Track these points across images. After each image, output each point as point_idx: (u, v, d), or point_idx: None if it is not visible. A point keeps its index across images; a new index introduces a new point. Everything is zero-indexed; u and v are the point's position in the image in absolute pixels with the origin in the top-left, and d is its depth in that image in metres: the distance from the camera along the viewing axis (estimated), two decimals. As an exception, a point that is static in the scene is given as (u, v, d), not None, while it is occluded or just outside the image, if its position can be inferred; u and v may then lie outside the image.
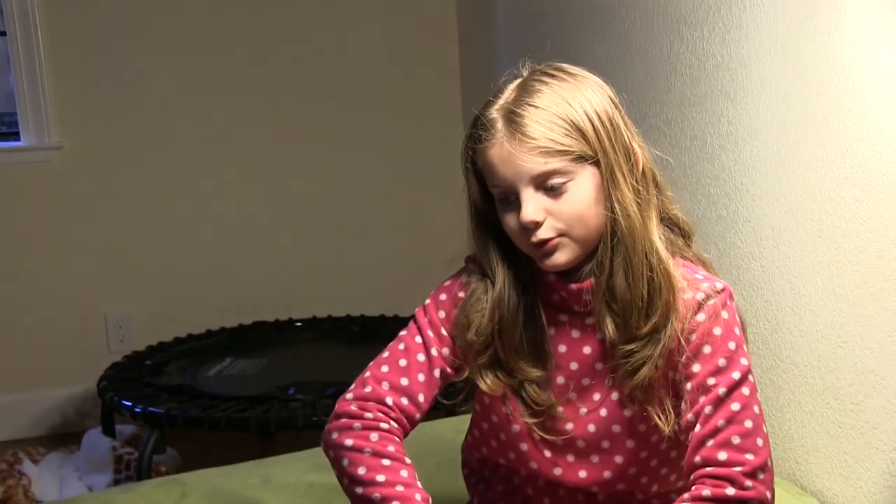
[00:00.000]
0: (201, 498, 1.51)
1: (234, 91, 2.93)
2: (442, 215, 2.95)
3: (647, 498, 1.15)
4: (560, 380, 1.10)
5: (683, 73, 1.77)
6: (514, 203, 1.04)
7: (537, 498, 1.17)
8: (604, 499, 1.15)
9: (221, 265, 2.97)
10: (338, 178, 3.05)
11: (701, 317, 1.04)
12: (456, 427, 1.61)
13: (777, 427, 1.58)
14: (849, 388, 1.43)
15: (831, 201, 1.43)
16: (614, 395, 1.09)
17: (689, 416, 1.03)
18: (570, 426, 1.10)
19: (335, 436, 1.09)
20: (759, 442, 1.01)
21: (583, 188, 1.02)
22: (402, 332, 1.14)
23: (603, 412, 1.09)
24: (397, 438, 1.08)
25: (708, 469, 1.00)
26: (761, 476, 1.00)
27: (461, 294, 1.13)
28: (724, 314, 1.04)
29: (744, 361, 1.03)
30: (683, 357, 1.03)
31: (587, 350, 1.09)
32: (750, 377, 1.03)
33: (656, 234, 1.05)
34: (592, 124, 1.02)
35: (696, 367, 1.03)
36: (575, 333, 1.10)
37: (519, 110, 1.02)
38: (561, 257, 1.04)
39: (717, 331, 1.03)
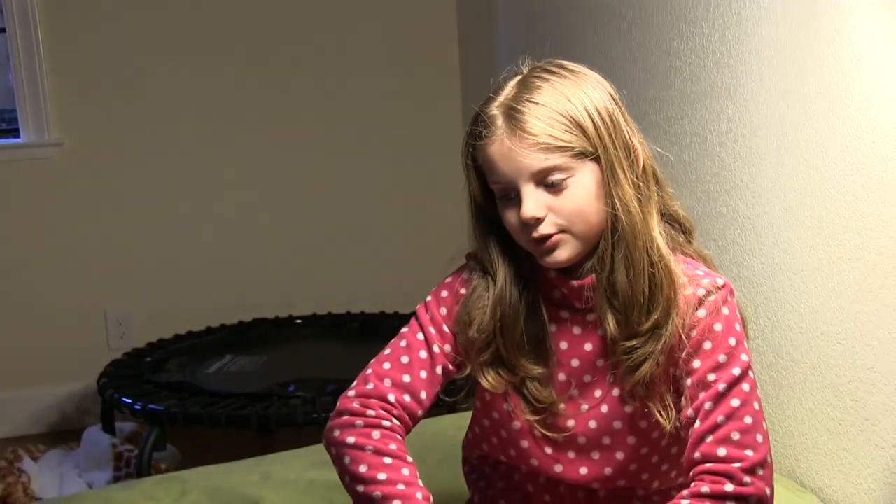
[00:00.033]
0: (201, 495, 1.51)
1: (235, 87, 2.93)
2: (442, 213, 2.95)
3: (647, 495, 1.15)
4: (561, 377, 1.10)
5: (683, 70, 1.77)
6: (515, 200, 1.04)
7: (538, 495, 1.17)
8: (604, 496, 1.15)
9: (222, 262, 2.97)
10: (338, 175, 3.05)
11: (702, 313, 1.04)
12: (457, 424, 1.61)
13: (777, 424, 1.58)
14: (848, 385, 1.44)
15: (831, 198, 1.43)
16: (615, 392, 1.09)
17: (689, 412, 1.03)
18: (571, 423, 1.10)
19: (337, 433, 1.09)
20: (759, 438, 1.01)
21: (583, 184, 1.02)
22: (404, 329, 1.14)
23: (604, 408, 1.09)
24: (399, 436, 1.08)
25: (707, 465, 1.00)
26: (760, 472, 1.00)
27: (462, 291, 1.13)
28: (725, 310, 1.04)
29: (744, 358, 1.03)
30: (684, 353, 1.03)
31: (588, 347, 1.09)
32: (750, 373, 1.03)
33: (657, 231, 1.05)
34: (592, 120, 1.02)
35: (696, 363, 1.03)
36: (576, 330, 1.10)
37: (519, 107, 1.02)
38: (562, 254, 1.04)
39: (718, 327, 1.03)
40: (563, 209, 1.02)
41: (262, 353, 2.57)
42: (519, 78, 1.06)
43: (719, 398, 1.01)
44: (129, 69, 2.84)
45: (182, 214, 2.93)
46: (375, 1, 3.01)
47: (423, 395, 1.10)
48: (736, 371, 1.02)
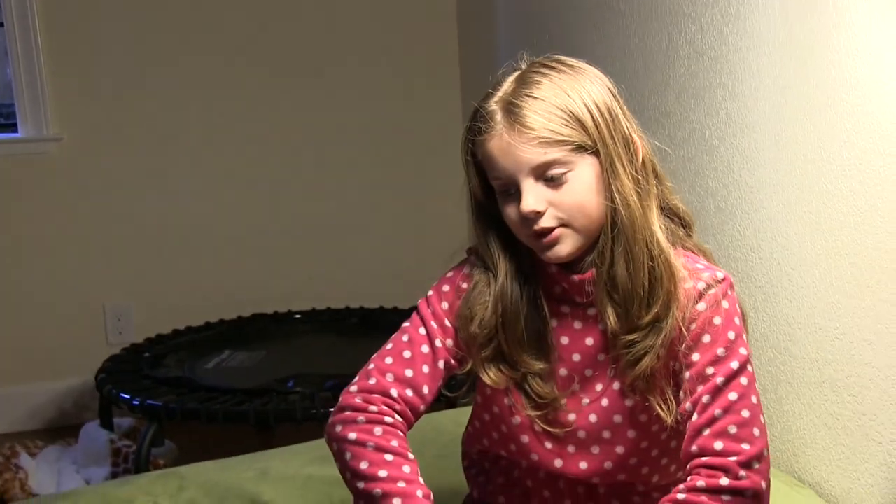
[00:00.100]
0: (199, 491, 1.51)
1: (234, 82, 2.92)
2: (441, 208, 2.94)
3: (647, 490, 1.15)
4: (563, 372, 1.10)
5: (682, 65, 1.77)
6: (515, 195, 1.04)
7: (537, 490, 1.17)
8: (604, 491, 1.15)
9: (220, 257, 2.97)
10: (337, 171, 3.05)
11: (701, 306, 1.04)
12: (456, 419, 1.61)
13: (775, 419, 1.58)
14: (846, 380, 1.44)
15: (829, 193, 1.44)
16: (616, 386, 1.09)
17: (687, 405, 1.03)
18: (572, 417, 1.10)
19: (339, 429, 1.09)
20: (756, 432, 1.01)
21: (583, 178, 1.02)
22: (406, 324, 1.15)
23: (604, 402, 1.10)
24: (401, 433, 1.08)
25: (704, 459, 1.01)
26: (757, 466, 1.00)
27: (464, 285, 1.13)
28: (725, 304, 1.05)
29: (743, 351, 1.04)
30: (683, 346, 1.03)
31: (589, 341, 1.10)
32: (748, 367, 1.04)
33: (657, 224, 1.05)
34: (591, 114, 1.02)
35: (695, 357, 1.03)
36: (577, 325, 1.10)
37: (518, 101, 1.02)
38: (563, 249, 1.05)
39: (717, 320, 1.04)
40: (563, 203, 1.02)
41: (261, 349, 2.57)
42: (517, 73, 1.06)
43: (717, 391, 1.02)
44: (128, 64, 2.83)
45: (181, 210, 2.93)
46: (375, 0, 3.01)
47: (425, 389, 1.11)
48: (734, 365, 1.02)
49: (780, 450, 1.57)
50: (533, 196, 1.02)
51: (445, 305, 1.13)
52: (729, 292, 1.06)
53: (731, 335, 1.03)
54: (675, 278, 1.04)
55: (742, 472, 0.99)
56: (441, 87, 3.06)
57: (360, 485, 1.05)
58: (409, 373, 1.10)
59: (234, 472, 1.58)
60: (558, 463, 1.13)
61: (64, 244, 2.84)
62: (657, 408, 1.06)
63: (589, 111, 1.02)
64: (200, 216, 2.95)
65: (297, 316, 2.80)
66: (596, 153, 1.03)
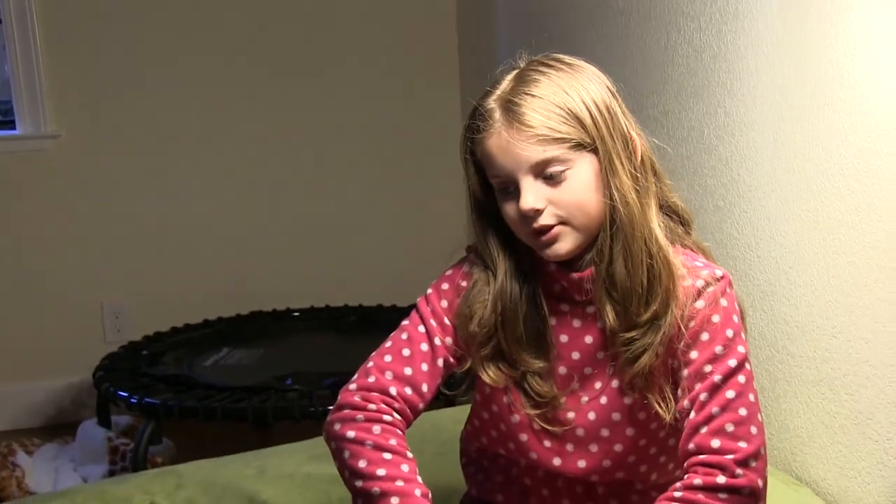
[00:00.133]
0: (196, 489, 1.51)
1: (233, 80, 2.92)
2: (440, 206, 2.96)
3: (645, 488, 1.15)
4: (562, 370, 1.10)
5: (681, 63, 1.77)
6: (514, 193, 1.04)
7: (535, 489, 1.18)
8: (603, 490, 1.15)
9: (219, 255, 2.97)
10: (336, 168, 3.05)
11: (700, 304, 1.04)
12: (454, 417, 1.61)
13: (772, 417, 1.58)
14: (843, 379, 1.44)
15: (827, 192, 1.44)
16: (615, 383, 1.09)
17: (685, 402, 1.03)
18: (571, 415, 1.11)
19: (337, 427, 1.09)
20: (753, 430, 1.01)
21: (581, 176, 1.03)
22: (405, 322, 1.14)
23: (603, 400, 1.10)
24: (400, 431, 1.08)
25: (701, 457, 1.01)
26: (753, 464, 1.00)
27: (463, 283, 1.13)
28: (724, 302, 1.05)
29: (741, 349, 1.04)
30: (682, 344, 1.04)
31: (588, 339, 1.10)
32: (746, 365, 1.04)
33: (655, 222, 1.05)
34: (590, 112, 1.02)
35: (693, 354, 1.03)
36: (576, 323, 1.10)
37: (516, 99, 1.02)
38: (562, 246, 1.05)
39: (716, 318, 1.04)
40: (562, 201, 1.02)
41: (260, 346, 2.56)
42: (516, 72, 1.06)
43: (715, 389, 1.02)
44: (127, 61, 2.83)
45: (179, 207, 2.93)
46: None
47: (424, 387, 1.10)
48: (732, 363, 1.02)
49: (778, 448, 1.58)
50: (532, 194, 1.02)
51: (445, 303, 1.13)
52: (728, 290, 1.06)
53: (730, 333, 1.04)
54: (673, 276, 1.04)
55: (739, 471, 0.99)
56: (440, 86, 3.06)
57: (359, 483, 1.05)
58: (408, 371, 1.10)
59: (231, 470, 1.58)
60: (557, 461, 1.13)
61: (62, 241, 2.84)
62: (656, 405, 1.06)
63: (587, 109, 1.02)
64: (199, 214, 2.95)
65: (296, 314, 2.80)
66: (595, 151, 1.03)
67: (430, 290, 1.15)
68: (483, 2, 2.85)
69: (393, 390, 1.09)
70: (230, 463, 1.63)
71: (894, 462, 1.37)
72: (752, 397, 1.03)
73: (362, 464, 1.05)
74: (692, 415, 1.02)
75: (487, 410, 1.17)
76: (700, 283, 1.05)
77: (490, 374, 1.10)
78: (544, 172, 1.02)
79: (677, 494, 1.00)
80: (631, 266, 1.03)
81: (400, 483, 1.04)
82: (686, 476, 1.01)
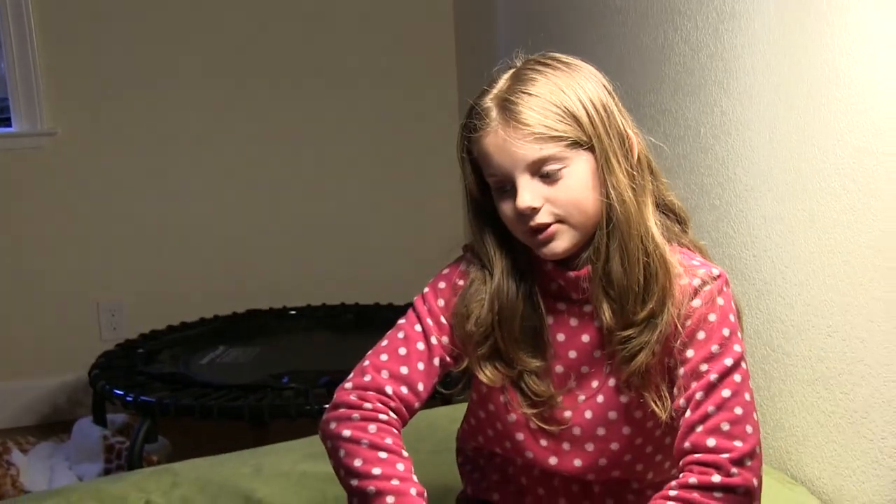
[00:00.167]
0: (192, 487, 1.51)
1: (229, 78, 2.92)
2: (437, 205, 2.95)
3: (641, 487, 1.16)
4: (559, 369, 1.11)
5: (678, 62, 1.77)
6: (511, 191, 1.04)
7: (531, 488, 1.18)
8: (599, 489, 1.15)
9: (215, 253, 2.96)
10: (333, 167, 3.04)
11: (697, 302, 1.04)
12: (451, 415, 1.61)
13: (768, 416, 1.59)
14: (838, 378, 1.44)
15: (822, 192, 1.44)
16: (611, 382, 1.09)
17: (681, 401, 1.03)
18: (567, 414, 1.11)
19: (333, 426, 1.08)
20: (749, 429, 1.01)
21: (578, 174, 1.03)
22: (401, 321, 1.14)
23: (600, 399, 1.10)
24: (395, 430, 1.08)
25: (696, 456, 1.01)
26: (748, 463, 1.00)
27: (460, 282, 1.13)
28: (720, 300, 1.05)
29: (737, 348, 1.04)
30: (678, 342, 1.04)
31: (585, 338, 1.10)
32: (742, 364, 1.04)
33: (652, 220, 1.05)
34: (586, 110, 1.02)
35: (689, 353, 1.04)
36: (573, 322, 1.10)
37: (513, 98, 1.02)
38: (559, 245, 1.05)
39: (712, 317, 1.04)
40: (558, 199, 1.03)
41: (256, 345, 2.56)
42: (513, 71, 1.06)
43: (711, 388, 1.02)
44: (124, 59, 2.82)
45: (176, 205, 2.92)
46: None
47: (420, 386, 1.10)
48: (728, 362, 1.03)
49: (773, 447, 1.58)
50: (529, 192, 1.02)
51: (441, 302, 1.13)
52: (724, 289, 1.06)
53: (726, 332, 1.04)
54: (670, 274, 1.04)
55: (734, 470, 0.99)
56: (437, 85, 3.06)
57: (354, 482, 1.05)
58: (404, 370, 1.10)
59: (227, 469, 1.58)
60: (553, 461, 1.13)
61: (58, 239, 2.83)
62: (652, 404, 1.06)
63: (584, 107, 1.02)
64: (195, 212, 2.95)
65: (292, 312, 2.80)
66: (591, 149, 1.03)
67: (426, 289, 1.15)
68: (481, 1, 2.86)
69: (389, 389, 1.09)
70: (226, 461, 1.63)
71: (889, 461, 1.37)
72: (747, 396, 1.03)
73: (358, 462, 1.05)
74: (688, 413, 1.02)
75: (484, 409, 1.17)
76: (697, 282, 1.05)
77: (487, 374, 1.10)
78: (541, 171, 1.02)
79: (672, 493, 1.00)
80: (627, 264, 1.03)
81: (395, 482, 1.04)
82: (681, 475, 1.01)
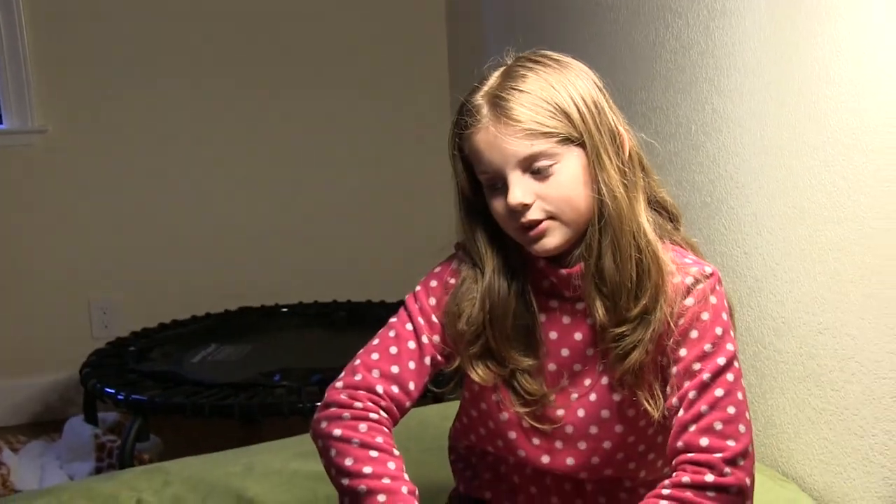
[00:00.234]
0: (184, 486, 1.51)
1: (220, 75, 2.91)
2: (429, 202, 2.95)
3: (634, 486, 1.16)
4: (551, 367, 1.10)
5: (669, 60, 1.77)
6: (502, 188, 1.04)
7: (524, 486, 1.18)
8: (591, 487, 1.15)
9: (207, 251, 2.96)
10: (324, 163, 3.04)
11: (689, 301, 1.04)
12: (442, 414, 1.61)
13: (759, 413, 1.59)
14: (829, 375, 1.45)
15: (812, 189, 1.44)
16: (604, 380, 1.09)
17: (674, 400, 1.03)
18: (560, 412, 1.10)
19: (324, 425, 1.08)
20: (742, 428, 1.02)
21: (569, 171, 1.03)
22: (393, 319, 1.14)
23: (592, 397, 1.10)
24: (386, 429, 1.08)
25: (689, 455, 1.01)
26: (741, 462, 1.01)
27: (452, 281, 1.12)
28: (713, 299, 1.05)
29: (730, 347, 1.04)
30: (671, 341, 1.04)
31: (578, 336, 1.10)
32: (735, 363, 1.04)
33: (644, 217, 1.05)
34: (577, 107, 1.02)
35: (682, 352, 1.04)
36: (566, 320, 1.10)
37: (504, 94, 1.02)
38: (551, 241, 1.05)
39: (705, 316, 1.04)
40: (550, 196, 1.03)
41: (248, 342, 2.56)
42: (503, 68, 1.07)
43: (704, 387, 1.02)
44: (114, 56, 2.81)
45: (167, 202, 2.91)
46: (367, -5, 3.00)
47: (411, 385, 1.10)
48: (721, 361, 1.03)
49: (765, 444, 1.58)
50: (520, 189, 1.02)
51: (433, 301, 1.13)
52: (717, 287, 1.06)
53: (719, 331, 1.04)
54: (662, 271, 1.04)
55: (727, 469, 1.00)
56: (429, 83, 3.05)
57: (345, 481, 1.05)
58: (395, 369, 1.10)
59: (219, 467, 1.57)
60: (545, 459, 1.13)
61: (49, 236, 2.82)
62: (645, 402, 1.06)
63: (575, 104, 1.02)
64: (187, 209, 2.94)
65: (284, 309, 2.79)
66: (582, 145, 1.03)
67: (418, 288, 1.15)
68: (472, 0, 2.85)
69: (379, 388, 1.09)
70: (217, 460, 1.63)
71: (879, 457, 1.38)
72: (740, 395, 1.03)
73: (349, 462, 1.05)
74: (681, 412, 1.02)
75: (476, 408, 1.17)
76: (689, 280, 1.05)
77: (478, 373, 1.10)
78: (532, 167, 1.02)
79: (665, 492, 1.00)
80: (620, 260, 1.03)
81: (387, 480, 1.03)
82: (674, 474, 1.01)
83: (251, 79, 2.93)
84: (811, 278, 1.47)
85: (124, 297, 2.90)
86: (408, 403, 1.11)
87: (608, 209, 1.03)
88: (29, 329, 2.82)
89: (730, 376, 1.03)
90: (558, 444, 1.12)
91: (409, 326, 1.12)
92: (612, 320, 1.05)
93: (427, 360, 1.11)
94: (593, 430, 1.10)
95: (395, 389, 1.09)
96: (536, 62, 1.05)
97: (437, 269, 1.16)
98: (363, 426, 1.07)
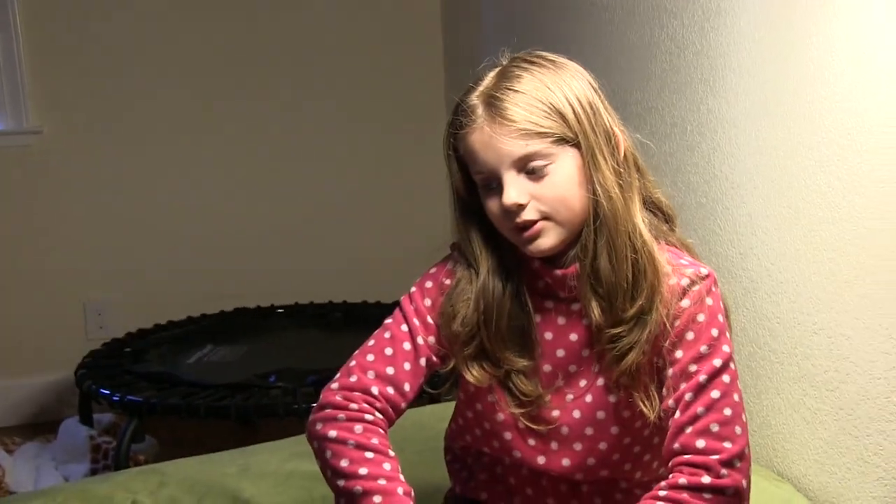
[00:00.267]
0: (179, 487, 1.50)
1: (216, 75, 2.90)
2: (425, 203, 2.94)
3: (630, 487, 1.16)
4: (547, 368, 1.10)
5: (664, 60, 1.77)
6: (497, 189, 1.04)
7: (520, 487, 1.17)
8: (587, 488, 1.15)
9: (203, 251, 2.95)
10: (320, 164, 3.04)
11: (685, 303, 1.04)
12: (438, 414, 1.61)
13: (754, 414, 1.59)
14: (824, 375, 1.45)
15: (807, 189, 1.45)
16: (600, 382, 1.09)
17: (670, 402, 1.04)
18: (556, 413, 1.10)
19: (319, 426, 1.08)
20: (738, 430, 1.02)
21: (564, 171, 1.03)
22: (388, 321, 1.14)
23: (588, 398, 1.10)
24: (381, 430, 1.08)
25: (685, 457, 1.01)
26: (738, 464, 1.01)
27: (447, 281, 1.12)
28: (709, 300, 1.05)
29: (725, 349, 1.04)
30: (667, 342, 1.04)
31: (573, 337, 1.10)
32: (731, 365, 1.04)
33: (639, 217, 1.05)
34: (572, 107, 1.02)
35: (678, 353, 1.04)
36: (561, 320, 1.10)
37: (499, 95, 1.02)
38: (546, 242, 1.05)
39: (701, 317, 1.04)
40: (544, 196, 1.03)
41: (244, 343, 2.55)
42: (499, 68, 1.07)
43: (700, 389, 1.02)
44: (109, 57, 2.80)
45: (163, 203, 2.91)
46: (362, -6, 3.00)
47: (406, 387, 1.10)
48: (717, 362, 1.03)
49: (760, 444, 1.59)
50: (515, 189, 1.02)
51: (428, 302, 1.13)
52: (713, 289, 1.06)
53: (715, 332, 1.04)
54: (658, 272, 1.04)
55: (724, 471, 1.00)
56: (425, 84, 3.05)
57: (341, 483, 1.05)
58: (390, 370, 1.10)
59: (214, 468, 1.57)
60: (541, 460, 1.13)
61: (44, 237, 2.82)
62: (641, 404, 1.06)
63: (570, 104, 1.02)
64: (183, 210, 2.93)
65: (280, 311, 2.79)
66: (577, 146, 1.03)
67: (413, 289, 1.15)
68: (468, 0, 2.85)
69: (375, 390, 1.09)
70: (213, 461, 1.62)
71: (874, 458, 1.38)
72: (736, 397, 1.03)
73: (344, 463, 1.05)
74: (677, 414, 1.02)
75: (471, 409, 1.16)
76: (685, 282, 1.05)
77: (474, 374, 1.10)
78: (527, 167, 1.02)
79: (662, 493, 1.00)
80: (615, 261, 1.03)
81: (382, 481, 1.03)
82: (671, 475, 1.02)
83: (245, 79, 2.93)
84: (806, 279, 1.47)
85: (120, 298, 2.89)
86: (403, 405, 1.11)
87: (603, 210, 1.03)
88: (24, 330, 2.81)
89: (726, 378, 1.03)
90: (554, 445, 1.12)
91: (404, 328, 1.12)
92: (607, 321, 1.05)
93: (422, 362, 1.11)
94: (589, 431, 1.10)
95: (390, 391, 1.09)
96: (532, 63, 1.05)
97: (433, 270, 1.16)
98: (358, 427, 1.06)
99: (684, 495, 0.99)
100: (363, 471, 1.04)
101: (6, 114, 2.74)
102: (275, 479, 1.53)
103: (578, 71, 1.07)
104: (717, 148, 1.65)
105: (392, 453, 1.07)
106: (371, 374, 1.09)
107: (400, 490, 1.04)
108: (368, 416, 1.07)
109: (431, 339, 1.12)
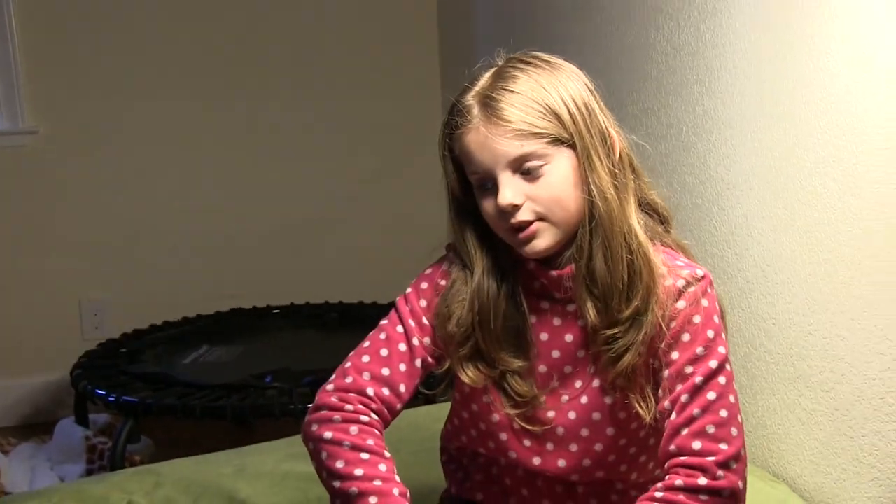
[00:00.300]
0: (175, 488, 1.50)
1: (213, 75, 2.90)
2: (421, 203, 2.94)
3: (625, 488, 1.16)
4: (542, 369, 1.10)
5: (660, 61, 1.77)
6: (492, 189, 1.04)
7: (515, 488, 1.17)
8: (583, 489, 1.15)
9: (199, 252, 2.95)
10: (316, 164, 3.03)
11: (681, 304, 1.04)
12: (433, 415, 1.61)
13: (750, 414, 1.60)
14: (819, 376, 1.45)
15: (803, 190, 1.45)
16: (596, 383, 1.09)
17: (666, 403, 1.03)
18: (551, 414, 1.10)
19: (315, 428, 1.08)
20: (734, 431, 1.02)
21: (560, 172, 1.03)
22: (383, 321, 1.14)
23: (584, 399, 1.10)
24: (377, 431, 1.08)
25: (682, 458, 1.01)
26: (734, 466, 1.01)
27: (442, 282, 1.12)
28: (704, 302, 1.05)
29: (721, 350, 1.04)
30: (663, 344, 1.04)
31: (569, 338, 1.10)
32: (727, 366, 1.04)
33: (635, 218, 1.05)
34: (568, 108, 1.02)
35: (674, 355, 1.04)
36: (556, 321, 1.10)
37: (495, 95, 1.02)
38: (541, 243, 1.05)
39: (697, 319, 1.04)
40: (540, 196, 1.03)
41: (239, 344, 2.55)
42: (494, 69, 1.07)
43: (696, 391, 1.02)
44: (105, 56, 2.80)
45: (159, 203, 2.91)
46: (358, -5, 3.00)
47: (402, 388, 1.10)
48: (713, 364, 1.03)
49: (755, 445, 1.59)
50: (510, 189, 1.02)
51: (424, 303, 1.13)
52: (709, 290, 1.06)
53: (710, 334, 1.04)
54: (653, 272, 1.04)
55: (720, 472, 1.00)
56: (421, 84, 3.05)
57: (337, 484, 1.05)
58: (385, 371, 1.10)
59: (210, 469, 1.57)
60: (537, 461, 1.13)
61: (40, 237, 2.81)
62: (636, 405, 1.06)
63: (565, 105, 1.02)
64: (179, 210, 2.93)
65: (276, 311, 2.79)
66: (573, 146, 1.03)
67: (409, 290, 1.15)
68: (464, 1, 2.85)
69: (370, 391, 1.09)
70: (209, 461, 1.62)
71: (869, 458, 1.38)
72: (732, 398, 1.03)
73: (340, 464, 1.05)
74: (673, 416, 1.02)
75: (467, 410, 1.16)
76: (681, 283, 1.05)
77: (469, 375, 1.10)
78: (522, 167, 1.02)
79: (658, 495, 1.00)
80: (611, 262, 1.03)
81: (378, 483, 1.03)
82: (667, 477, 1.02)
83: (241, 80, 2.93)
84: (802, 280, 1.47)
85: (115, 299, 2.89)
86: (398, 406, 1.11)
87: (599, 210, 1.03)
88: (20, 330, 2.81)
89: (722, 379, 1.03)
90: (549, 446, 1.12)
91: (399, 329, 1.12)
92: (603, 322, 1.05)
93: (418, 363, 1.11)
94: (584, 432, 1.10)
95: (385, 392, 1.09)
96: (528, 63, 1.05)
97: (428, 271, 1.16)
98: (354, 429, 1.06)
99: (680, 497, 0.99)
100: (359, 472, 1.04)
101: (2, 114, 2.74)
102: (271, 479, 1.53)
103: (574, 72, 1.07)
104: (712, 149, 1.65)
105: (388, 454, 1.07)
106: (366, 376, 1.09)
107: (396, 491, 1.04)
108: (364, 418, 1.07)
109: (427, 340, 1.12)
